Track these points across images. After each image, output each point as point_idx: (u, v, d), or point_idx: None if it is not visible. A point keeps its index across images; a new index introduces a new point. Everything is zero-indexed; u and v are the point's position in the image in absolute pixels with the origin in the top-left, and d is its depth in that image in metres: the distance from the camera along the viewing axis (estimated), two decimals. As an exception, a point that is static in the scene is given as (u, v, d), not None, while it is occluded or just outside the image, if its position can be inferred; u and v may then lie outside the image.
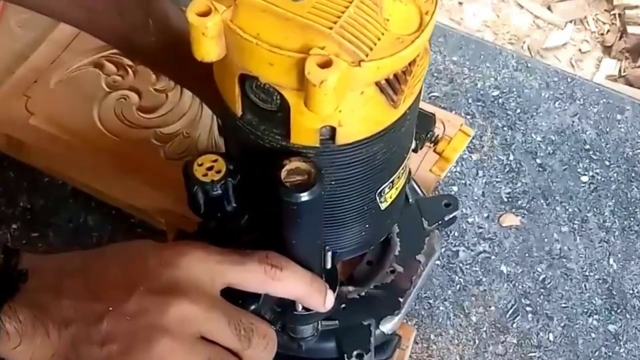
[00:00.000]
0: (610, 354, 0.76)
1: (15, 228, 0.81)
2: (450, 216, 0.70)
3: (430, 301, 0.78)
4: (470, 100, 0.93)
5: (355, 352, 0.62)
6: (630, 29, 2.16)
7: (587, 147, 0.90)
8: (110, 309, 0.50)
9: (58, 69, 0.85)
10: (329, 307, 0.57)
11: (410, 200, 0.70)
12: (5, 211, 0.82)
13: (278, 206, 0.49)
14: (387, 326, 0.65)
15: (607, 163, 0.89)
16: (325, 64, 0.43)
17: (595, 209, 0.86)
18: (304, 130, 0.49)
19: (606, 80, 2.09)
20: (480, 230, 0.83)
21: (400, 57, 0.46)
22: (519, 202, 0.86)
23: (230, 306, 0.52)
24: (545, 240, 0.83)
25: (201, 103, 0.83)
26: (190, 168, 0.53)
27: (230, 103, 0.51)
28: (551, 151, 0.90)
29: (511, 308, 0.78)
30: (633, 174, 0.88)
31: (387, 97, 0.48)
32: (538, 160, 0.89)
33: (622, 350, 0.76)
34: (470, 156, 0.89)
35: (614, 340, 0.77)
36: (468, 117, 0.91)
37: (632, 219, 0.85)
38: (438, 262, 0.80)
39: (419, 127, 0.62)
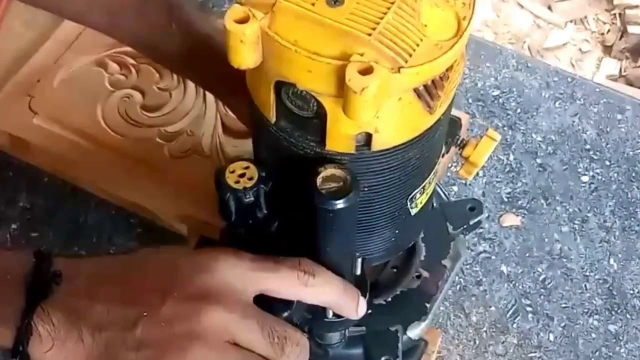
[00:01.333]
0: (610, 354, 0.76)
1: (15, 228, 0.81)
2: (475, 220, 0.70)
3: (431, 301, 0.78)
4: (470, 100, 0.94)
5: (383, 358, 0.62)
6: (631, 29, 2.16)
7: (588, 147, 0.91)
8: (145, 314, 0.50)
9: (61, 68, 0.85)
10: (362, 314, 0.57)
11: (435, 204, 0.69)
12: (5, 211, 0.82)
13: (313, 213, 0.49)
14: (414, 332, 0.65)
15: (608, 163, 0.89)
16: (366, 71, 0.43)
17: (595, 209, 0.86)
18: (340, 136, 0.48)
19: (606, 80, 2.09)
20: (481, 230, 0.83)
21: (438, 63, 0.46)
22: (519, 202, 0.86)
23: (264, 313, 0.52)
24: (546, 240, 0.83)
25: (205, 101, 0.83)
26: (222, 175, 0.53)
27: (264, 109, 0.50)
28: (551, 151, 0.90)
29: (511, 308, 0.79)
30: (633, 174, 0.89)
31: (424, 102, 0.48)
32: (538, 160, 0.89)
33: (622, 350, 0.77)
34: (471, 156, 0.89)
35: (614, 340, 0.77)
36: (468, 116, 0.91)
37: (632, 218, 0.85)
38: (439, 261, 0.81)
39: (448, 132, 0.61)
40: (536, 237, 0.83)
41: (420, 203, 0.57)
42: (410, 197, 0.56)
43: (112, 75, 0.85)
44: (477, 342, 0.76)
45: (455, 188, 0.86)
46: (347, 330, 0.63)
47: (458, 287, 0.79)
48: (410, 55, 0.45)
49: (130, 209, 0.80)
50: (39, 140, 0.81)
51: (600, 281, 0.81)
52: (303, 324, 0.57)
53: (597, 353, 0.76)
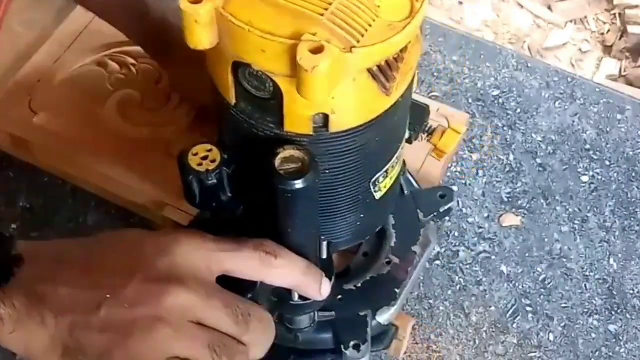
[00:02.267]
0: (610, 354, 0.76)
1: (15, 228, 0.81)
2: (446, 207, 0.71)
3: (431, 301, 0.78)
4: (470, 100, 0.94)
5: (352, 343, 0.63)
6: (631, 29, 2.16)
7: (588, 147, 0.91)
8: (108, 296, 0.50)
9: (61, 68, 0.86)
10: (326, 295, 0.57)
11: (406, 192, 0.71)
12: (5, 211, 0.82)
13: (273, 194, 0.50)
14: (384, 317, 0.66)
15: (608, 163, 0.89)
16: (317, 50, 0.44)
17: (595, 209, 0.86)
18: (297, 118, 0.49)
19: (607, 80, 2.09)
20: (481, 230, 0.83)
21: (391, 44, 0.47)
22: (519, 202, 0.86)
23: (227, 293, 0.52)
24: (546, 240, 0.83)
25: None
26: (185, 157, 0.54)
27: (224, 92, 0.51)
28: (551, 151, 0.90)
29: (511, 308, 0.79)
30: (633, 174, 0.89)
31: (380, 84, 0.49)
32: (538, 160, 0.89)
33: (622, 350, 0.77)
34: (471, 156, 0.89)
35: (614, 340, 0.77)
36: (468, 116, 0.91)
37: (632, 218, 0.85)
38: (438, 262, 0.81)
39: (413, 118, 0.63)
40: (536, 237, 0.83)
41: (385, 187, 0.58)
42: (373, 180, 0.56)
43: (112, 75, 0.85)
44: (477, 342, 0.76)
45: (455, 188, 0.86)
46: (316, 315, 0.63)
47: (458, 287, 0.79)
48: (363, 36, 0.46)
49: (130, 209, 0.80)
50: (39, 140, 0.81)
51: (600, 281, 0.81)
52: (272, 309, 0.57)
53: (597, 353, 0.76)
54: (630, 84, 2.08)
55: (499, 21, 2.27)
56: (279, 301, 0.58)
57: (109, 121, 0.82)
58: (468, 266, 0.81)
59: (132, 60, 0.86)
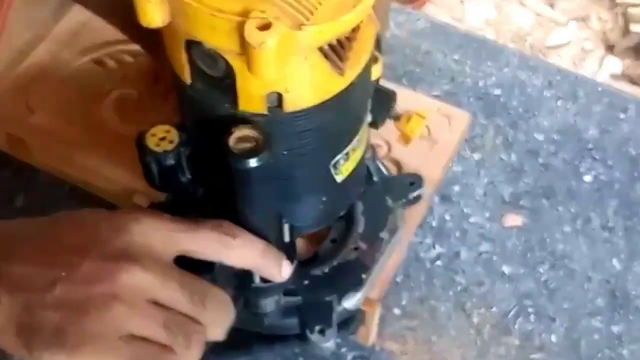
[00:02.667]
0: (613, 355, 0.76)
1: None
2: (415, 194, 0.72)
3: (432, 302, 0.78)
4: (471, 99, 0.93)
5: (317, 328, 0.63)
6: (634, 28, 2.15)
7: (590, 146, 0.90)
8: (64, 274, 0.50)
9: (59, 67, 0.85)
10: (286, 277, 0.58)
11: (375, 178, 0.71)
12: (2, 211, 0.81)
13: (229, 174, 0.50)
14: (350, 302, 0.66)
15: (610, 162, 0.89)
16: (265, 27, 0.44)
17: (598, 209, 0.85)
18: (251, 96, 0.50)
19: (609, 78, 2.09)
20: (482, 230, 0.83)
21: (341, 22, 0.47)
22: (521, 202, 0.85)
23: (183, 272, 0.53)
24: (548, 240, 0.83)
25: None
26: (143, 138, 0.54)
27: (179, 71, 0.52)
28: (553, 150, 0.89)
29: (513, 309, 0.78)
30: (636, 174, 0.88)
31: (332, 63, 0.49)
32: (540, 160, 0.89)
33: (625, 351, 0.76)
34: (472, 156, 0.88)
35: (617, 341, 0.77)
36: (469, 115, 0.90)
37: (635, 219, 0.85)
38: (439, 262, 0.80)
39: (380, 103, 0.64)
40: (538, 238, 0.83)
41: (346, 170, 0.58)
42: (333, 162, 0.57)
43: (110, 74, 0.85)
44: (479, 343, 0.76)
45: (456, 188, 0.85)
46: (281, 299, 0.64)
47: (459, 287, 0.79)
48: (312, 14, 0.46)
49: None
50: (37, 139, 0.81)
51: (603, 282, 0.80)
52: (234, 293, 0.57)
53: (599, 354, 0.76)
54: (632, 82, 2.08)
55: (501, 19, 2.26)
56: (241, 284, 0.59)
57: (107, 120, 0.81)
58: (469, 267, 0.80)
59: (130, 59, 0.86)
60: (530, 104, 0.93)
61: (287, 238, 0.59)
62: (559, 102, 0.94)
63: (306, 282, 0.66)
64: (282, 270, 0.58)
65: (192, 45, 0.49)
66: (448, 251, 0.81)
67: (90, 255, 0.51)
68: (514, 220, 0.84)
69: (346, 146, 0.57)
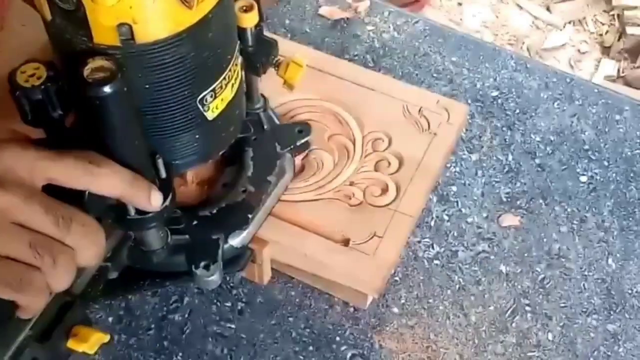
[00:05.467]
0: (609, 353, 0.76)
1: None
2: (302, 141, 0.78)
3: (430, 301, 0.79)
4: (469, 101, 0.94)
5: (202, 263, 0.67)
6: (629, 30, 2.16)
7: (586, 147, 0.91)
8: None
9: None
10: (156, 206, 0.59)
11: (265, 127, 0.78)
12: None
13: (86, 104, 0.52)
14: (236, 240, 0.70)
15: (606, 163, 0.90)
16: None
17: (594, 209, 0.86)
18: (103, 28, 0.52)
19: (605, 80, 2.09)
20: (480, 230, 0.84)
21: None
22: (518, 202, 0.86)
23: (49, 197, 0.53)
24: (544, 240, 0.83)
25: None
26: (13, 75, 0.55)
27: (39, 9, 0.54)
28: (550, 151, 0.90)
29: (510, 308, 0.79)
30: (632, 174, 0.89)
31: None
32: (537, 161, 0.90)
33: (621, 349, 0.77)
34: (470, 156, 0.89)
35: (613, 339, 0.77)
36: (467, 117, 0.91)
37: (630, 219, 0.85)
38: (437, 261, 0.81)
39: (261, 51, 0.69)
40: (535, 237, 0.84)
41: (216, 108, 0.61)
42: (200, 99, 0.59)
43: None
44: (477, 341, 0.77)
45: (454, 188, 0.86)
46: (169, 238, 0.67)
47: (457, 286, 0.80)
48: None
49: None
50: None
51: (599, 281, 0.81)
52: (113, 226, 0.60)
53: (595, 352, 0.76)
54: (628, 84, 2.08)
55: (498, 22, 2.27)
56: (118, 217, 0.60)
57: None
58: (467, 266, 0.81)
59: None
60: (527, 106, 0.94)
61: (163, 174, 0.61)
62: (555, 104, 0.94)
63: (195, 222, 0.70)
64: (152, 199, 0.59)
65: None
66: (446, 250, 0.82)
67: None
68: (511, 220, 0.85)
69: (212, 83, 0.60)
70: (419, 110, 0.84)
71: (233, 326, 0.77)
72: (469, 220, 0.84)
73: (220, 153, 0.68)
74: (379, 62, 0.97)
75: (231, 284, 0.79)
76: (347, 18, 1.02)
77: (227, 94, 0.62)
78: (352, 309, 0.78)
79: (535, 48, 2.20)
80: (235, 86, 0.63)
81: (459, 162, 0.88)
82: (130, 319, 0.77)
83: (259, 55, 0.69)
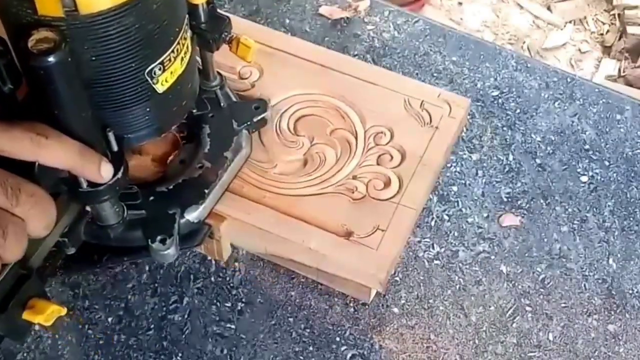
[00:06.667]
0: (609, 353, 0.76)
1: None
2: (259, 117, 0.80)
3: (430, 301, 0.79)
4: (470, 100, 0.94)
5: (158, 237, 0.69)
6: (630, 29, 2.16)
7: (587, 147, 0.91)
8: None
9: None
10: (106, 177, 0.60)
11: (222, 104, 0.79)
12: None
13: (32, 76, 0.53)
14: (193, 215, 0.72)
15: (607, 163, 0.89)
16: None
17: (594, 209, 0.86)
18: (46, 0, 0.53)
19: (606, 80, 2.09)
20: (480, 230, 0.84)
21: None
22: (519, 202, 0.86)
23: None
24: (545, 240, 0.83)
25: None
26: None
27: None
28: (551, 151, 0.90)
29: (511, 308, 0.79)
30: (632, 174, 0.89)
31: None
32: (538, 160, 0.89)
33: (621, 350, 0.77)
34: (470, 156, 0.89)
35: (613, 340, 0.77)
36: (468, 117, 0.91)
37: (631, 218, 0.85)
38: (437, 261, 0.81)
39: (213, 28, 0.71)
40: (535, 237, 0.83)
41: (166, 81, 0.63)
42: (148, 71, 0.60)
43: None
44: (477, 341, 0.77)
45: (454, 188, 0.86)
46: (126, 213, 0.69)
47: (458, 286, 0.80)
48: None
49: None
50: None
51: (600, 281, 0.81)
52: (67, 200, 0.62)
53: (596, 353, 0.76)
54: (629, 84, 2.08)
55: (499, 22, 2.27)
56: (70, 190, 0.61)
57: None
58: (467, 266, 0.81)
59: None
60: (528, 105, 0.94)
61: (114, 147, 0.62)
62: (556, 104, 0.94)
63: (152, 198, 0.72)
64: (102, 171, 0.60)
65: None
66: (446, 250, 0.82)
67: None
68: (511, 220, 0.84)
69: (160, 56, 0.61)
70: (421, 104, 0.84)
71: (233, 326, 0.76)
72: (470, 220, 0.84)
73: (174, 127, 0.69)
74: (379, 62, 0.97)
75: (231, 284, 0.79)
76: (347, 17, 1.02)
77: (177, 67, 0.63)
78: (352, 309, 0.78)
79: (535, 47, 2.20)
80: (186, 60, 0.64)
81: (460, 162, 0.88)
82: (130, 319, 0.77)
83: (212, 32, 0.71)
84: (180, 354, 0.75)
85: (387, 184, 0.78)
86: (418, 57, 0.98)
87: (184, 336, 0.76)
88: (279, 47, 0.89)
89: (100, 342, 0.75)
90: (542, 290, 0.80)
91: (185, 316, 0.77)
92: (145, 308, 0.77)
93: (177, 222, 0.71)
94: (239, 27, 0.89)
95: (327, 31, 1.01)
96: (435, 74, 0.96)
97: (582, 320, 0.78)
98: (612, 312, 0.79)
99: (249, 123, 0.79)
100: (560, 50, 2.21)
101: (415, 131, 0.82)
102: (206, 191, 0.73)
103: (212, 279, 0.79)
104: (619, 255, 0.83)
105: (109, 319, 0.77)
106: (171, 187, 0.73)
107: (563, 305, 0.79)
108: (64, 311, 0.58)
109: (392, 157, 0.80)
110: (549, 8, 2.30)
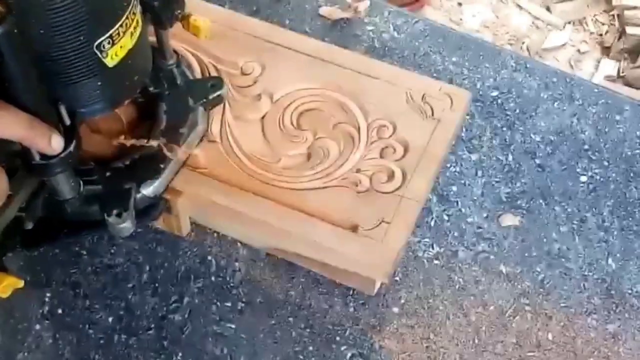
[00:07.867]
0: (609, 353, 0.76)
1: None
2: (215, 94, 0.80)
3: (430, 301, 0.79)
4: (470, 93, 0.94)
5: (115, 211, 0.70)
6: (629, 30, 2.16)
7: (586, 147, 0.91)
8: None
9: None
10: (57, 149, 0.61)
11: (179, 82, 0.80)
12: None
13: None
14: (149, 189, 0.74)
15: (606, 163, 0.90)
16: None
17: (594, 209, 0.86)
18: None
19: (605, 80, 2.09)
20: (480, 230, 0.84)
21: None
22: (518, 202, 0.86)
23: None
24: (544, 240, 0.83)
25: None
26: None
27: None
28: (550, 151, 0.90)
29: (510, 308, 0.79)
30: (632, 174, 0.89)
31: None
32: (537, 161, 0.90)
33: (621, 349, 0.77)
34: (470, 156, 0.89)
35: (612, 339, 0.77)
36: (467, 117, 0.91)
37: (630, 218, 0.85)
38: (437, 261, 0.81)
39: (166, 6, 0.72)
40: (535, 237, 0.84)
41: (116, 55, 0.63)
42: (97, 45, 0.61)
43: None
44: (476, 341, 0.77)
45: (454, 188, 0.86)
46: (82, 187, 0.70)
47: (457, 286, 0.80)
48: None
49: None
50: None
51: (599, 281, 0.81)
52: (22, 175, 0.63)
53: (595, 352, 0.77)
54: (628, 84, 2.08)
55: (498, 22, 2.27)
56: (23, 162, 0.62)
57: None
58: (467, 266, 0.81)
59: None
60: (527, 106, 0.94)
61: (67, 121, 0.63)
62: (555, 104, 0.94)
63: (108, 173, 0.73)
64: (53, 142, 0.60)
65: None
66: (446, 250, 0.82)
67: None
68: (511, 220, 0.85)
69: (108, 29, 0.61)
70: (422, 97, 0.84)
71: (233, 326, 0.77)
72: (469, 220, 0.84)
73: (126, 102, 0.70)
74: (379, 62, 0.97)
75: (231, 284, 0.79)
76: (347, 18, 1.02)
77: (127, 42, 0.64)
78: (352, 309, 0.78)
79: (535, 48, 2.20)
80: (136, 35, 0.65)
81: (459, 162, 0.88)
82: (130, 319, 0.77)
83: (165, 10, 0.72)
84: (180, 354, 0.75)
85: (391, 176, 0.79)
86: (418, 58, 0.98)
87: (184, 336, 0.76)
88: (281, 42, 0.89)
89: (101, 341, 0.75)
90: (541, 290, 0.80)
91: (186, 316, 0.77)
92: (146, 308, 0.77)
93: (133, 197, 0.72)
94: (240, 25, 0.90)
95: (327, 32, 1.01)
96: (434, 74, 0.96)
97: (581, 320, 0.78)
98: (612, 312, 0.79)
99: (204, 100, 0.80)
100: (560, 51, 2.21)
101: (417, 124, 0.82)
102: (162, 166, 0.75)
103: (212, 278, 0.79)
104: (618, 255, 0.83)
105: (110, 319, 0.77)
106: (127, 162, 0.74)
107: (562, 305, 0.79)
108: (21, 283, 0.61)
109: (395, 150, 0.81)
110: (548, 9, 2.30)
